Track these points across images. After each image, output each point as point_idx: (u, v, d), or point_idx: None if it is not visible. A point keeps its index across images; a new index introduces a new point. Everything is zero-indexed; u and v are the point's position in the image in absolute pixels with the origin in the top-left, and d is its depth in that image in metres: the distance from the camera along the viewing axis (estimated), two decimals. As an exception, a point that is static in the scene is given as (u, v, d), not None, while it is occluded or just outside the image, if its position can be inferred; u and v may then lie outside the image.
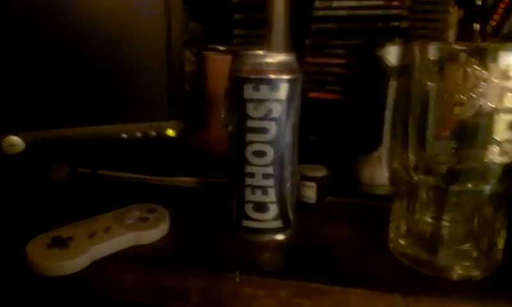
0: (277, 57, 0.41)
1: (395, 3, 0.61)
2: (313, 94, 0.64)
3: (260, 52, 0.41)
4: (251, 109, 0.40)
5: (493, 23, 0.68)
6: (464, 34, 0.66)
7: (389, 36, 0.61)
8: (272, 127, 0.40)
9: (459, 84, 0.37)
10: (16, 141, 0.47)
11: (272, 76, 0.40)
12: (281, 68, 0.40)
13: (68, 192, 0.54)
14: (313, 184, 0.49)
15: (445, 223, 0.38)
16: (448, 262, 0.38)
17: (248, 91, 0.40)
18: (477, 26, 0.65)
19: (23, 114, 0.48)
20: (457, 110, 0.37)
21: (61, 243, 0.38)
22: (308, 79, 0.64)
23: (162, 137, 0.53)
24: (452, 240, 0.38)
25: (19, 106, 0.48)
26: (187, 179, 0.55)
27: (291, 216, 0.43)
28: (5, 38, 0.46)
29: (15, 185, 0.53)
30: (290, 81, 0.40)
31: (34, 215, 0.47)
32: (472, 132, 0.36)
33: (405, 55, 0.51)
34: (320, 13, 0.64)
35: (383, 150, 0.52)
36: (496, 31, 0.67)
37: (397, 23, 0.61)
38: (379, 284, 0.36)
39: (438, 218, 0.39)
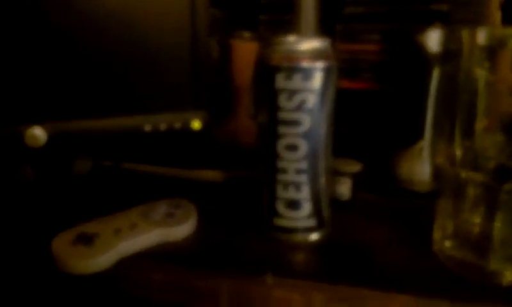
0: (311, 44, 0.38)
1: (434, -16, 0.57)
2: (345, 84, 0.61)
3: (293, 38, 0.38)
4: (283, 100, 0.38)
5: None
6: (507, 18, 0.61)
7: (428, 19, 0.57)
8: (305, 119, 0.38)
9: (513, 73, 0.34)
10: (38, 132, 0.45)
11: (305, 64, 0.37)
12: (315, 55, 0.37)
13: (91, 186, 0.53)
14: (347, 180, 0.46)
15: (496, 224, 0.35)
16: (498, 267, 0.35)
17: (280, 81, 0.37)
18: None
19: (45, 105, 0.47)
20: (509, 101, 0.34)
21: (86, 240, 0.37)
22: (339, 67, 0.60)
23: (187, 128, 0.51)
24: (503, 243, 0.35)
25: (41, 97, 0.47)
26: (212, 173, 0.53)
27: (325, 214, 0.41)
28: (28, 26, 0.45)
29: (37, 179, 0.52)
30: (325, 69, 0.37)
31: (58, 210, 0.46)
32: (527, 124, 0.34)
33: (448, 40, 0.47)
34: (353, -5, 0.61)
35: (425, 143, 0.49)
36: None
37: (436, 6, 0.57)
38: (423, 290, 0.33)
39: (488, 219, 0.36)
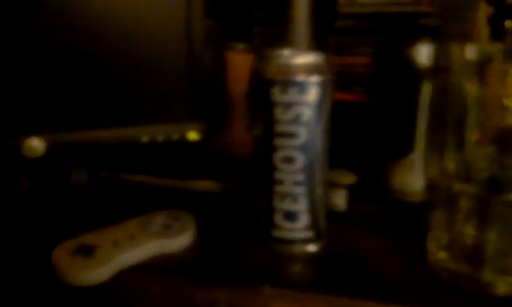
0: (306, 58, 0.39)
1: (424, 0, 0.58)
2: (337, 96, 0.62)
3: (288, 52, 0.39)
4: (279, 113, 0.38)
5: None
6: (494, 33, 0.63)
7: (417, 34, 0.58)
8: (302, 132, 0.38)
9: (502, 88, 0.35)
10: (36, 143, 0.45)
11: (301, 78, 0.38)
12: (311, 68, 0.38)
13: (88, 197, 0.53)
14: (342, 191, 0.47)
15: (489, 235, 0.36)
16: (492, 278, 0.35)
17: (276, 94, 0.38)
18: (509, 24, 0.63)
19: (42, 116, 0.47)
20: (499, 114, 0.36)
21: (86, 251, 0.37)
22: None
23: (184, 139, 0.52)
24: (497, 254, 0.36)
25: (39, 108, 0.47)
26: (209, 183, 0.54)
27: (322, 225, 0.41)
28: (26, 39, 0.45)
29: (34, 190, 0.52)
30: (320, 83, 0.38)
31: (56, 221, 0.46)
32: (517, 137, 0.35)
33: (438, 55, 0.49)
34: (345, 9, 0.62)
35: (416, 155, 0.50)
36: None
37: (426, 21, 0.59)
38: (419, 301, 0.34)
39: (481, 230, 0.37)
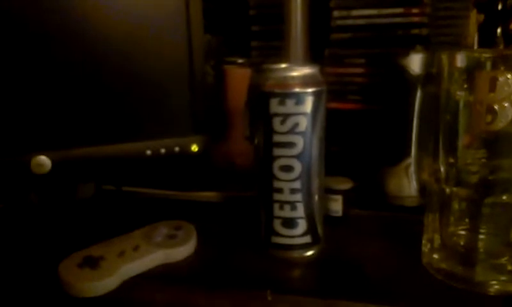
0: (301, 70, 0.40)
1: (415, 10, 0.60)
2: (333, 105, 0.64)
3: (284, 66, 0.40)
4: (277, 124, 0.40)
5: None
6: (485, 40, 0.65)
7: (409, 43, 0.60)
8: (299, 141, 0.40)
9: (490, 93, 0.36)
10: (43, 160, 0.47)
11: (297, 89, 0.39)
12: (306, 80, 0.40)
13: (94, 210, 0.54)
14: (339, 197, 0.48)
15: (481, 236, 0.37)
16: (484, 277, 0.37)
17: (274, 106, 0.39)
18: (498, 31, 0.64)
19: (49, 135, 0.48)
20: (488, 119, 0.37)
21: (92, 263, 0.38)
22: (328, 90, 0.63)
23: (186, 152, 0.53)
24: (488, 253, 0.37)
25: (45, 128, 0.48)
26: (210, 194, 0.55)
27: (320, 231, 0.43)
28: (29, 57, 0.47)
29: (42, 204, 0.53)
30: (315, 94, 0.40)
31: (63, 234, 0.47)
32: (505, 141, 0.36)
33: (429, 63, 0.50)
34: (339, 22, 0.64)
35: (411, 160, 0.51)
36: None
37: (417, 31, 0.60)
38: (415, 302, 0.35)
39: (473, 231, 0.38)
